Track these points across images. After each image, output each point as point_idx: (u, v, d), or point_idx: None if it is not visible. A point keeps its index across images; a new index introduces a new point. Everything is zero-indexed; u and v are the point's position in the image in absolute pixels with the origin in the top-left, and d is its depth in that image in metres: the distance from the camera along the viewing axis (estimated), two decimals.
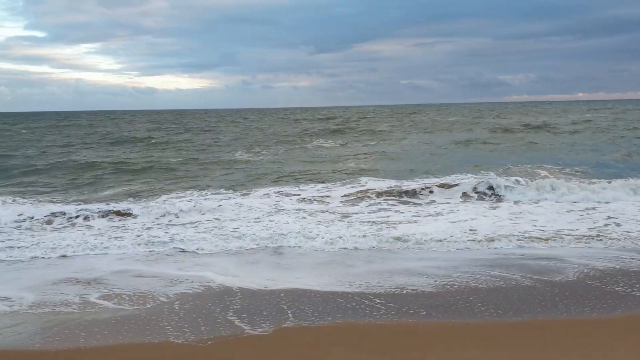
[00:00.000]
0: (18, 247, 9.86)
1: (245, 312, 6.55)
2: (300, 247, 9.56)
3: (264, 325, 6.15)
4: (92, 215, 12.10)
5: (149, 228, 11.25)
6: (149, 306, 6.86)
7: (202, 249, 9.54)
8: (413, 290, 7.20)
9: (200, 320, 6.32)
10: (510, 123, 46.88)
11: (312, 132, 41.54)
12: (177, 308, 6.75)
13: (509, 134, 35.03)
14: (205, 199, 13.76)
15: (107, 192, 15.88)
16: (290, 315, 6.42)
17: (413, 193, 13.85)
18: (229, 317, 6.39)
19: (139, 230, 11.05)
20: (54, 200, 14.69)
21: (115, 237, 10.47)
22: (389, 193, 13.87)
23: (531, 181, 14.33)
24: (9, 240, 10.50)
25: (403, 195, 13.76)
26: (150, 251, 9.56)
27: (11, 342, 5.90)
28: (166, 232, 10.78)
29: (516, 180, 14.36)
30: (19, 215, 12.08)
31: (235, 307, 6.73)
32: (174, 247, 9.72)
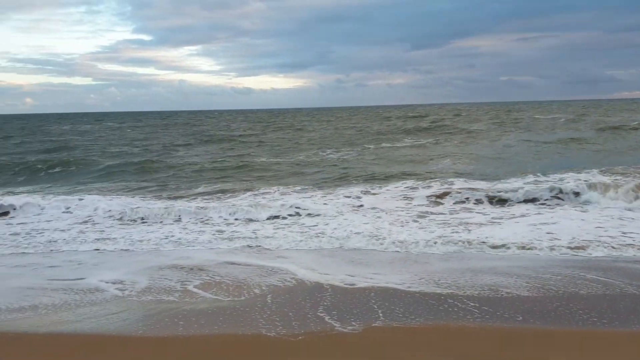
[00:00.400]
0: (120, 238, 10.53)
1: (335, 309, 6.58)
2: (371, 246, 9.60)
3: (354, 323, 6.14)
4: (183, 211, 12.61)
5: (230, 224, 11.66)
6: (243, 298, 7.07)
7: (281, 246, 9.78)
8: (508, 293, 6.92)
9: (291, 315, 6.41)
10: (619, 121, 43.88)
11: (403, 130, 41.09)
12: (269, 301, 6.90)
13: (616, 133, 32.79)
14: (289, 196, 14.03)
15: (200, 189, 16.49)
16: (380, 314, 6.38)
17: (500, 195, 13.24)
18: (319, 313, 6.44)
19: (220, 225, 11.49)
20: (145, 197, 15.51)
21: (200, 231, 11.01)
22: (474, 194, 13.36)
23: (631, 185, 13.19)
24: (110, 228, 11.25)
25: (489, 197, 13.21)
26: (235, 247, 9.87)
27: (117, 328, 6.27)
28: (247, 228, 11.16)
29: (609, 183, 13.31)
30: (107, 210, 12.89)
31: (325, 303, 6.78)
32: (256, 243, 9.99)
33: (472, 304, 6.61)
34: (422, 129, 42.23)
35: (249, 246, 9.83)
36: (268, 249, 9.65)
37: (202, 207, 12.77)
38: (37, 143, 37.71)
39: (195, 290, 7.50)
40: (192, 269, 8.43)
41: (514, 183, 14.46)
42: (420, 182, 15.36)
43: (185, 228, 11.29)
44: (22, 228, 11.72)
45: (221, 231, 10.91)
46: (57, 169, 22.46)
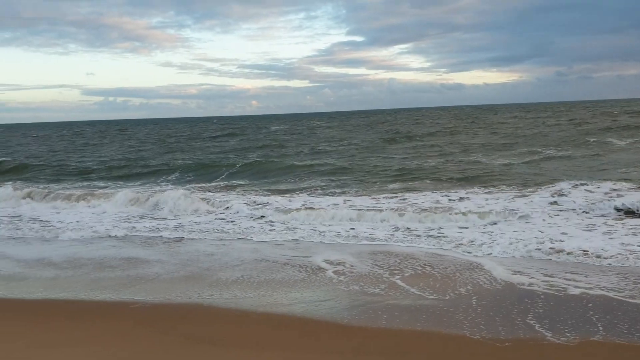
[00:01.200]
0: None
1: (547, 317, 6.12)
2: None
3: (568, 334, 5.65)
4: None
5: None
6: (447, 298, 6.95)
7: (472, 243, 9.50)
8: None
9: (498, 320, 6.13)
10: None
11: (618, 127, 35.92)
12: (474, 303, 6.68)
13: None
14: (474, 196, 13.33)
15: (393, 186, 16.52)
16: (600, 328, 5.77)
17: None
18: (528, 321, 6.06)
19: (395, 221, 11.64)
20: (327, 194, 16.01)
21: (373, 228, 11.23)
22: None
23: None
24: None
25: None
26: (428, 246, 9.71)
27: (323, 314, 6.61)
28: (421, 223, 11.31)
29: None
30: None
31: (536, 310, 6.35)
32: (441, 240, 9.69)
33: None
34: None
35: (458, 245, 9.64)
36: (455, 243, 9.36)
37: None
38: (252, 141, 41.38)
39: (401, 283, 7.59)
40: (405, 257, 8.55)
41: None
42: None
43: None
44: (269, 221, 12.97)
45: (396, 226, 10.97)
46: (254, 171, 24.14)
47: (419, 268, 8.32)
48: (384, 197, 14.50)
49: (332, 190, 16.19)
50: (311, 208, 13.22)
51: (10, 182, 20.96)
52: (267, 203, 14.44)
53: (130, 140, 52.59)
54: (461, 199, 13.65)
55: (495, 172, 18.33)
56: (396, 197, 14.50)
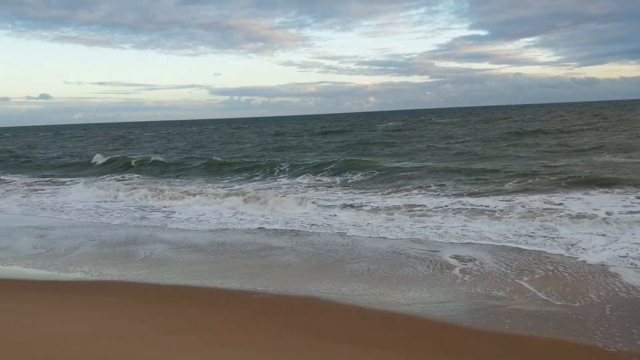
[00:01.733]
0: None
1: None
2: None
3: None
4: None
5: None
6: (577, 305, 6.52)
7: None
8: None
9: (635, 332, 5.64)
10: None
11: None
12: (607, 312, 6.21)
13: None
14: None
15: (510, 186, 15.73)
16: None
17: None
18: None
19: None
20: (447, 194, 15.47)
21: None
22: None
23: None
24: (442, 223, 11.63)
25: None
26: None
27: (442, 316, 6.46)
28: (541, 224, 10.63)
29: None
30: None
31: None
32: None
33: None
34: None
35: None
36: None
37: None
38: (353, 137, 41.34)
39: (527, 286, 7.27)
40: (530, 258, 8.17)
41: None
42: None
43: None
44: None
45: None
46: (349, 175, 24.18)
47: (546, 271, 7.88)
48: (499, 199, 13.90)
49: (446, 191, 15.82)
50: (419, 206, 13.00)
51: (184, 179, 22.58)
52: (391, 201, 14.41)
53: (238, 139, 54.49)
54: (584, 201, 12.77)
55: (628, 172, 16.92)
56: (514, 197, 13.90)
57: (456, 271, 8.17)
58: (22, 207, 16.46)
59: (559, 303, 6.61)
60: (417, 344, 5.70)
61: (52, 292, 7.81)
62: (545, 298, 6.81)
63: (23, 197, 18.83)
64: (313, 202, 14.49)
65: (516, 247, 9.34)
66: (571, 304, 6.55)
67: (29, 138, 78.70)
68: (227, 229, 12.16)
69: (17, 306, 7.12)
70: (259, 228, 12.10)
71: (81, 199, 17.56)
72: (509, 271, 8.03)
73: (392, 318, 6.46)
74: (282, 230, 11.80)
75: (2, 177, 25.93)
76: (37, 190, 20.50)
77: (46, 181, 23.77)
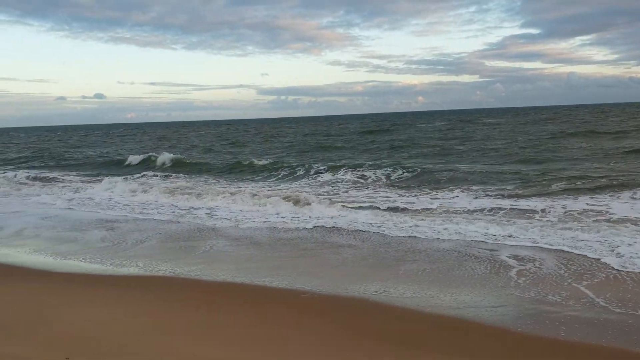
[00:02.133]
0: None
1: None
2: None
3: None
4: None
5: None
6: (638, 313, 6.24)
7: None
8: None
9: None
10: None
11: None
12: None
13: None
14: None
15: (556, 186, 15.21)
16: None
17: None
18: None
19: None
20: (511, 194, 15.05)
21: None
22: None
23: None
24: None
25: None
26: None
27: (494, 321, 6.28)
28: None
29: None
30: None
31: None
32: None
33: None
34: None
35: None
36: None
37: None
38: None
39: (585, 291, 7.04)
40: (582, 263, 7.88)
41: None
42: None
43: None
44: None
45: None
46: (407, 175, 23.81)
47: (605, 276, 7.58)
48: (550, 201, 13.49)
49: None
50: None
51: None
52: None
53: (281, 138, 54.57)
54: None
55: None
56: (566, 199, 13.50)
57: (512, 273, 7.97)
58: (70, 203, 17.14)
59: (619, 310, 6.35)
60: (468, 348, 5.58)
61: (106, 287, 8.03)
62: (604, 305, 6.55)
63: (73, 192, 19.73)
64: (355, 203, 14.43)
65: (570, 252, 9.01)
66: (632, 312, 6.28)
67: (80, 137, 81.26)
68: (275, 228, 12.23)
69: (70, 300, 7.36)
70: (310, 228, 12.10)
71: (123, 196, 18.07)
72: (565, 275, 7.77)
73: (442, 321, 6.34)
74: (329, 228, 11.78)
75: (47, 175, 27.04)
76: (80, 188, 21.16)
77: (93, 179, 24.58)
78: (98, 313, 6.73)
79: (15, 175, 26.49)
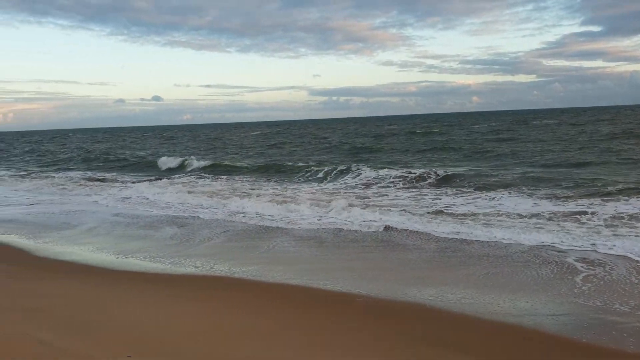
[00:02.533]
0: None
1: None
2: None
3: None
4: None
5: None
6: None
7: None
8: None
9: None
10: None
11: None
12: None
13: None
14: None
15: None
16: None
17: None
18: None
19: None
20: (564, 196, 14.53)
21: None
22: None
23: None
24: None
25: None
26: None
27: (555, 329, 6.11)
28: None
29: None
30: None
31: None
32: None
33: None
34: None
35: None
36: None
37: None
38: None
39: None
40: None
41: None
42: None
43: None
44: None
45: None
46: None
47: None
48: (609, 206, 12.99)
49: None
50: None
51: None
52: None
53: (328, 138, 54.68)
54: None
55: None
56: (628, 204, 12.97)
57: (577, 279, 7.75)
58: (120, 203, 17.82)
59: None
60: (530, 356, 5.45)
61: (171, 286, 8.23)
62: None
63: (119, 190, 20.74)
64: (404, 206, 14.30)
65: (636, 259, 8.67)
66: None
67: (133, 138, 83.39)
68: (326, 229, 12.25)
69: (138, 300, 7.57)
70: (364, 231, 12.08)
71: (168, 197, 18.39)
72: (635, 282, 7.48)
73: (500, 328, 6.21)
74: (380, 231, 11.72)
75: (104, 175, 28.35)
76: (124, 188, 21.87)
77: (144, 179, 25.43)
78: (161, 313, 6.87)
79: (66, 175, 27.97)
